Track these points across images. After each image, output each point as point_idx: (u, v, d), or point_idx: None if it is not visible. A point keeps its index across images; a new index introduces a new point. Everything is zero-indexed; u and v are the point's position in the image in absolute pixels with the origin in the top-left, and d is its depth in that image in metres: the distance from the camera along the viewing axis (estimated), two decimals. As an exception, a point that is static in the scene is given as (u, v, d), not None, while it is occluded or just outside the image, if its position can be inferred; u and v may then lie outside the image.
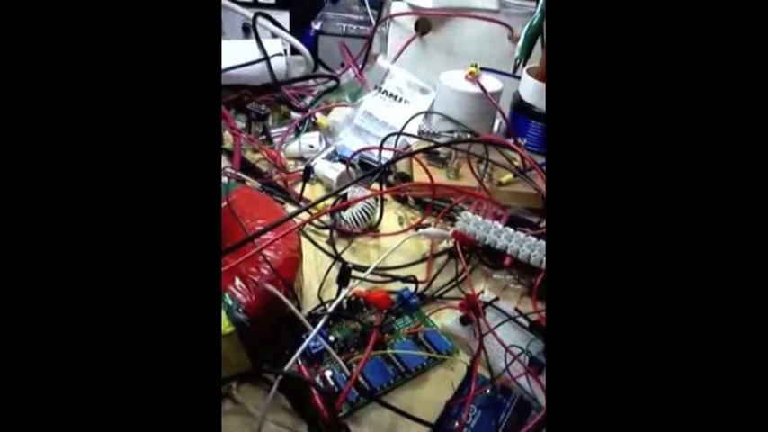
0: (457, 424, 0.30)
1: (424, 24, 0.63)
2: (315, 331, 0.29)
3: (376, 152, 0.53)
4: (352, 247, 0.45)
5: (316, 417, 0.29)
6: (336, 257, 0.41)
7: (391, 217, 0.50)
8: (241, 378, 0.30)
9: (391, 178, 0.54)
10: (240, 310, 0.29)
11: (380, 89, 0.59)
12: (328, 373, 0.31)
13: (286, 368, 0.28)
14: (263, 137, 0.57)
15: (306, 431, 0.29)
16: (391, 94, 0.58)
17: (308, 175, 0.49)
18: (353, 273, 0.35)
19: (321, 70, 0.70)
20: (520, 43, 0.53)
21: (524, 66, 0.54)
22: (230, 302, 0.29)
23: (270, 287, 0.30)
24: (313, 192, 0.52)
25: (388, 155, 0.53)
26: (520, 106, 0.56)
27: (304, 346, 0.29)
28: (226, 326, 0.28)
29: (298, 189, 0.51)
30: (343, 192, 0.47)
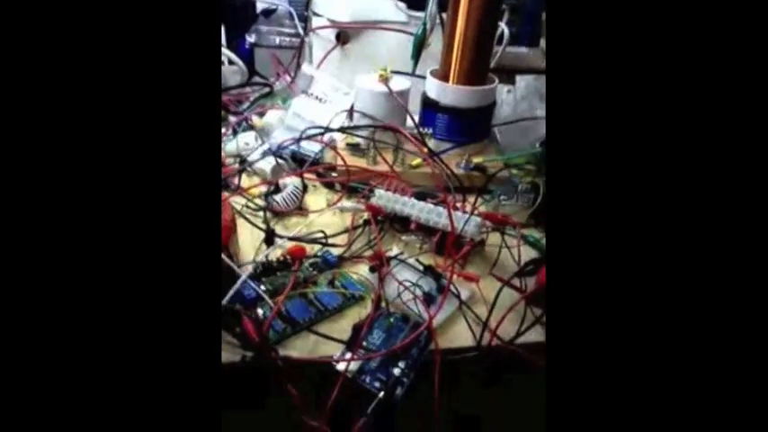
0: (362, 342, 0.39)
1: (344, 36, 0.72)
2: (244, 276, 0.37)
3: (305, 146, 0.62)
4: (284, 224, 0.54)
5: (249, 343, 0.37)
6: (267, 230, 0.49)
7: (321, 200, 0.59)
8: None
9: (320, 169, 0.63)
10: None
11: (307, 93, 0.67)
12: (260, 311, 0.40)
13: (223, 301, 0.36)
14: (205, 138, 0.64)
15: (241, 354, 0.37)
16: (317, 97, 0.67)
17: (243, 165, 0.57)
18: (280, 237, 0.44)
19: (257, 79, 0.78)
20: (411, 50, 0.64)
21: (416, 67, 0.65)
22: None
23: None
24: (250, 182, 0.60)
25: (315, 146, 0.62)
26: (427, 102, 0.66)
27: (237, 285, 0.37)
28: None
29: (235, 181, 0.58)
30: (276, 180, 0.56)
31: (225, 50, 0.73)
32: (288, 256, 0.44)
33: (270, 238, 0.41)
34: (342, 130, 0.59)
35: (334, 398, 0.35)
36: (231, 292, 0.37)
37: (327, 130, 0.58)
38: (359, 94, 0.64)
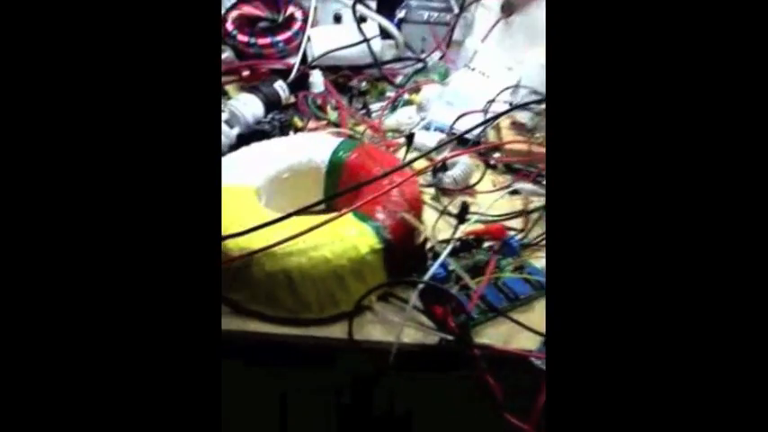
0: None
1: (509, 6, 0.67)
2: (445, 253, 0.35)
3: (467, 124, 0.59)
4: (453, 203, 0.51)
5: (446, 327, 0.35)
6: (461, 206, 0.46)
7: (483, 181, 0.55)
8: (382, 290, 0.36)
9: (482, 148, 0.59)
10: (386, 230, 0.35)
11: (469, 67, 0.64)
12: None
13: (426, 278, 0.34)
14: (363, 111, 0.63)
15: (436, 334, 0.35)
16: (479, 72, 0.63)
17: (411, 140, 0.55)
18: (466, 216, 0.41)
19: (408, 53, 0.76)
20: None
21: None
22: (378, 225, 0.35)
23: (407, 216, 0.36)
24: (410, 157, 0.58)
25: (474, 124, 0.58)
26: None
27: (438, 262, 0.35)
28: (376, 242, 0.34)
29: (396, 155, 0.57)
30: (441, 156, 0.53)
31: (384, 22, 0.71)
32: (474, 236, 0.40)
33: (463, 213, 0.38)
34: (520, 106, 0.54)
35: (542, 400, 0.31)
36: (432, 270, 0.34)
37: (512, 108, 0.55)
38: (528, 68, 0.59)
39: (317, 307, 0.35)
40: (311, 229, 0.33)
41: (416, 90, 0.68)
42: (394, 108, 0.63)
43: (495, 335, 0.36)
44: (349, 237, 0.34)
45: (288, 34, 0.69)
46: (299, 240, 0.33)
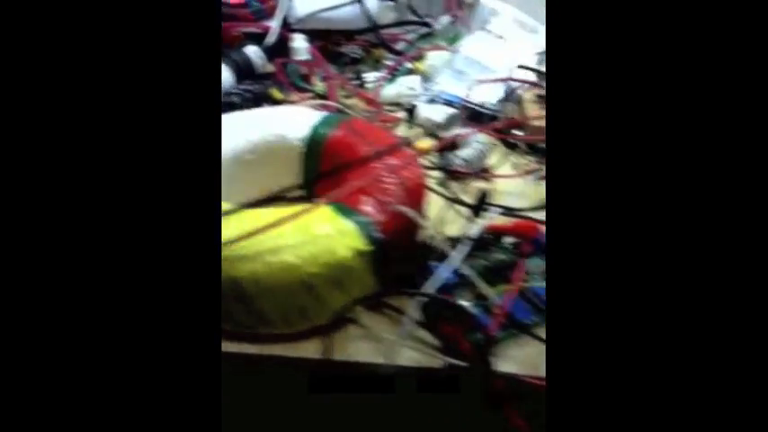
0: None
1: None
2: (458, 257, 0.26)
3: (479, 97, 0.49)
4: (465, 190, 0.41)
5: (454, 348, 0.26)
6: (480, 195, 0.37)
7: (502, 164, 0.46)
8: (370, 302, 0.27)
9: (499, 124, 0.49)
10: (376, 228, 0.25)
11: (486, 30, 0.54)
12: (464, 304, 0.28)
13: (431, 288, 0.25)
14: (357, 81, 0.54)
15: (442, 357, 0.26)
16: (496, 35, 0.53)
17: (412, 114, 0.46)
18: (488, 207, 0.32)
19: (410, 17, 0.66)
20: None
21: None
22: (364, 220, 0.26)
23: (404, 209, 0.27)
24: (412, 134, 0.49)
25: (489, 97, 0.49)
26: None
27: (450, 266, 0.26)
28: (361, 243, 0.25)
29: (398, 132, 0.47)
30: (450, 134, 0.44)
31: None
32: (497, 232, 0.31)
33: (480, 206, 0.29)
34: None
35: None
36: (438, 279, 0.25)
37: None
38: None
39: (281, 322, 0.26)
40: (269, 226, 0.23)
41: (419, 57, 0.58)
42: (393, 78, 0.54)
43: (521, 357, 0.27)
44: (322, 236, 0.25)
45: (265, -9, 0.59)
46: (253, 241, 0.24)
